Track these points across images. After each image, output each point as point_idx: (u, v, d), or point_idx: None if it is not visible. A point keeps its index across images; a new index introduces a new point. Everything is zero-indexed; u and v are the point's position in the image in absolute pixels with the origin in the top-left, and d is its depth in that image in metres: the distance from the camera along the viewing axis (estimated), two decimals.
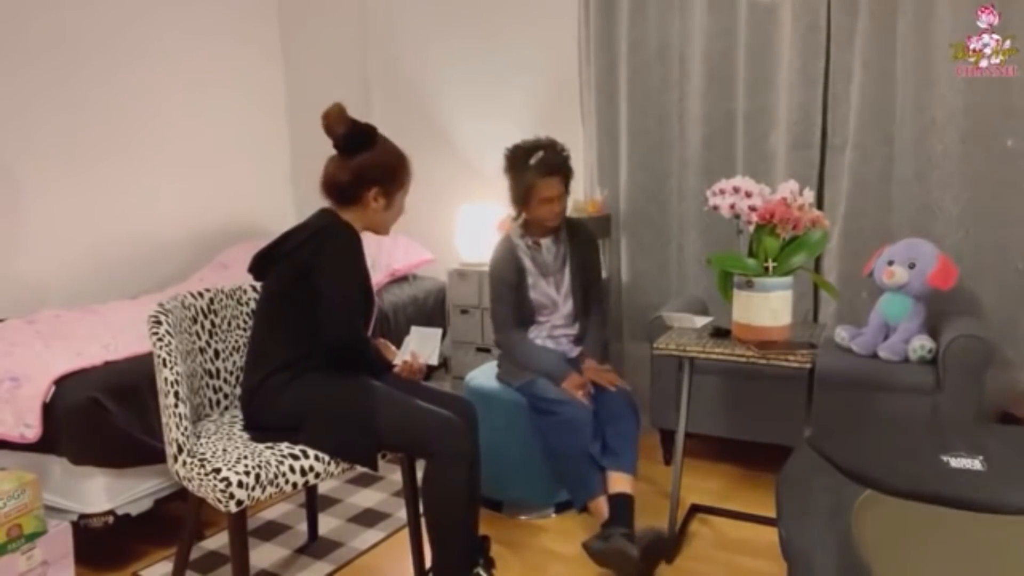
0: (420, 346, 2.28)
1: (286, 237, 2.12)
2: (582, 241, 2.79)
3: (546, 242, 2.73)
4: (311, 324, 2.04)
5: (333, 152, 2.15)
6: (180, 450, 1.96)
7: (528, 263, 2.71)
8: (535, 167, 2.56)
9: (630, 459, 2.45)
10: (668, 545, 2.36)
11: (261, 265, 2.14)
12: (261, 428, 2.05)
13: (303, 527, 2.63)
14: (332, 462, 2.02)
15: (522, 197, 2.62)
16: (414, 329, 2.32)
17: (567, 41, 3.55)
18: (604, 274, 3.14)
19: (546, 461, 2.57)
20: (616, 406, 2.53)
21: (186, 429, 1.97)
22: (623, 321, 3.54)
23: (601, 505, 2.40)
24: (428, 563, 2.27)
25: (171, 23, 3.86)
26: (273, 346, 2.07)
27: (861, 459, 1.73)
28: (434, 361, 2.30)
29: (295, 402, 2.03)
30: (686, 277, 3.42)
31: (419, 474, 2.23)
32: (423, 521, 2.15)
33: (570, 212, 2.81)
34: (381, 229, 2.23)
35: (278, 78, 4.45)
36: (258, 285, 2.38)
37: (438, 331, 2.31)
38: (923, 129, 2.91)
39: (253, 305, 2.36)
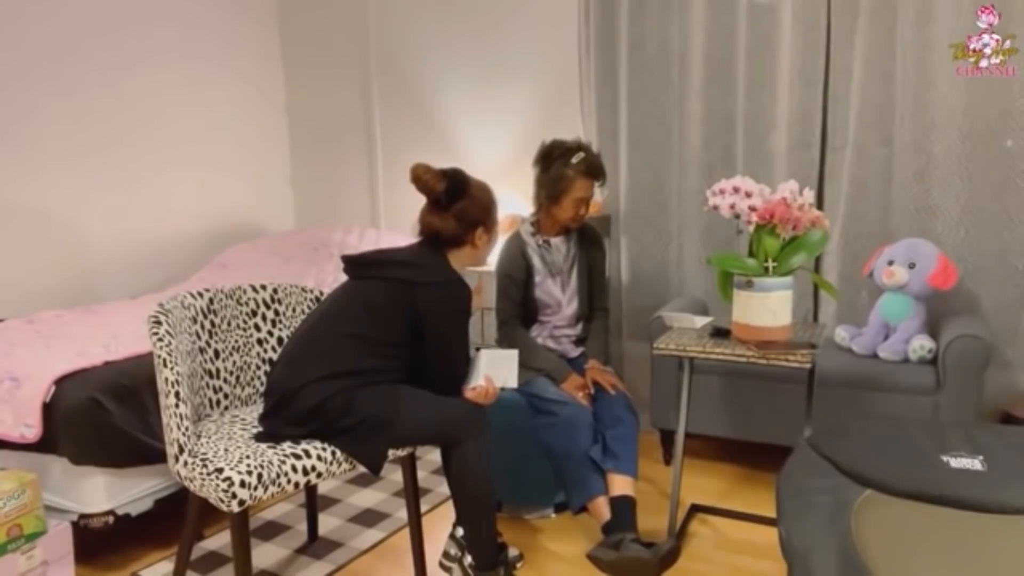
0: (494, 370, 2.23)
1: (400, 263, 2.17)
2: (591, 243, 2.80)
3: (556, 241, 2.74)
4: (395, 352, 2.11)
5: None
6: (181, 450, 1.96)
7: (536, 261, 2.71)
8: (576, 166, 2.59)
9: (631, 462, 2.45)
10: (678, 557, 2.35)
11: (361, 267, 2.19)
12: (287, 423, 2.03)
13: (303, 527, 2.63)
14: (334, 462, 2.02)
15: (555, 193, 2.62)
16: (484, 352, 2.28)
17: (567, 41, 3.55)
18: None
19: (545, 461, 2.57)
20: (616, 409, 2.53)
21: (187, 429, 1.97)
22: (623, 321, 3.54)
23: (601, 506, 2.40)
24: (429, 562, 2.30)
25: (170, 23, 3.86)
26: (345, 355, 2.07)
27: (861, 459, 1.73)
28: (513, 384, 2.26)
29: (337, 406, 2.02)
30: (686, 277, 3.42)
31: (420, 474, 2.24)
32: (452, 507, 2.20)
33: None
34: (482, 261, 2.33)
35: (278, 78, 4.45)
36: (261, 283, 2.38)
37: (514, 352, 2.28)
38: (923, 129, 2.91)
39: (253, 305, 2.36)
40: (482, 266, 2.38)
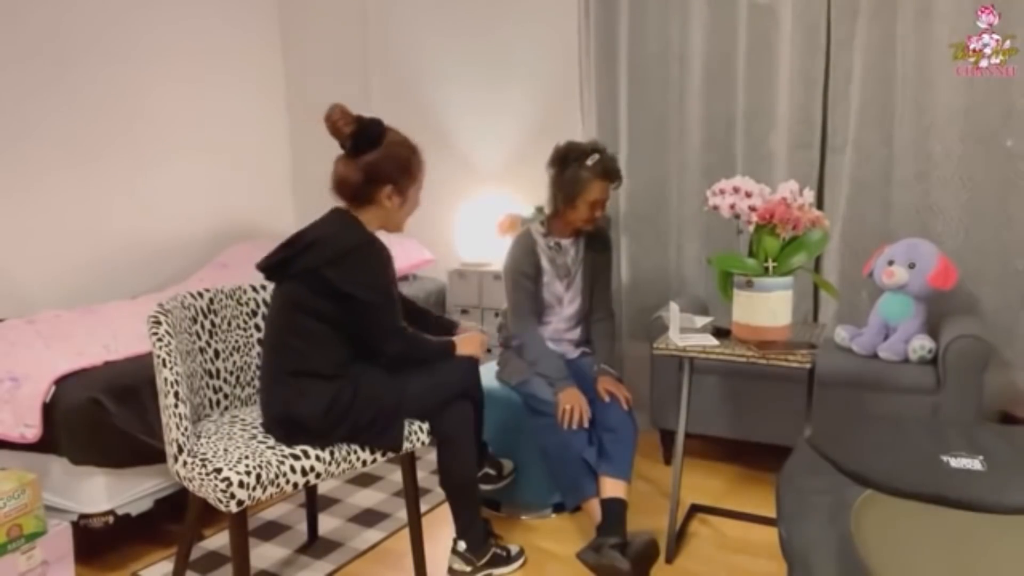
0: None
1: (307, 245, 2.05)
2: (599, 246, 2.80)
3: (566, 243, 2.74)
4: (346, 337, 2.08)
5: (339, 151, 2.12)
6: (180, 450, 1.96)
7: (545, 262, 2.71)
8: (592, 168, 2.58)
9: (625, 465, 2.45)
10: (657, 549, 2.38)
11: (277, 268, 2.11)
12: (291, 432, 2.04)
13: (303, 527, 2.63)
14: (333, 462, 2.03)
15: (570, 195, 2.60)
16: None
17: (567, 41, 3.55)
18: None
19: (543, 461, 2.57)
20: (615, 413, 2.52)
21: (186, 429, 1.97)
22: (623, 321, 3.54)
23: (594, 507, 2.41)
24: (429, 562, 2.30)
25: (170, 22, 3.87)
26: (306, 356, 2.05)
27: (861, 459, 1.73)
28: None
29: (332, 408, 2.03)
30: (686, 277, 3.42)
31: (420, 474, 2.24)
32: (444, 499, 2.30)
33: None
34: (395, 227, 2.20)
35: (278, 77, 4.45)
36: (261, 283, 2.39)
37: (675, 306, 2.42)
38: (923, 129, 2.91)
39: (253, 305, 2.36)
40: (398, 232, 2.23)
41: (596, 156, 2.60)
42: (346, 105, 2.07)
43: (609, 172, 2.61)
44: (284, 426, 2.04)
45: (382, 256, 2.09)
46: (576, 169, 2.59)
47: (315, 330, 2.05)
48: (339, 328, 2.06)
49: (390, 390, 2.12)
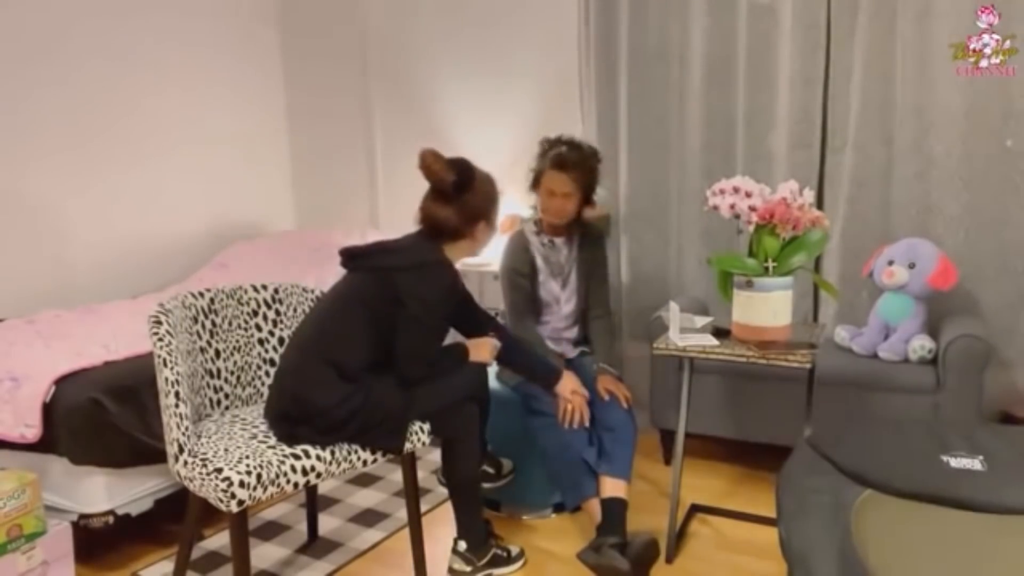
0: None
1: (385, 251, 2.19)
2: (593, 244, 2.80)
3: (559, 241, 2.74)
4: (383, 344, 2.11)
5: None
6: (181, 450, 1.96)
7: (539, 260, 2.72)
8: (550, 158, 2.63)
9: (625, 465, 2.45)
10: (657, 549, 2.39)
11: (352, 259, 2.19)
12: (295, 423, 2.04)
13: (303, 527, 2.63)
14: (333, 462, 2.03)
15: (532, 183, 2.70)
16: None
17: (567, 41, 3.55)
18: None
19: (543, 462, 2.57)
20: (615, 413, 2.52)
21: (187, 429, 1.98)
22: (623, 321, 3.54)
23: (594, 506, 2.42)
24: (429, 562, 2.30)
25: (170, 23, 3.86)
26: (340, 348, 2.08)
27: (861, 459, 1.73)
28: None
29: (342, 406, 2.03)
30: (686, 277, 3.42)
31: (420, 474, 2.24)
32: (447, 500, 2.29)
33: None
34: (479, 251, 2.33)
35: (278, 78, 4.45)
36: (261, 283, 2.39)
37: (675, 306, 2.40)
38: (923, 129, 2.91)
39: (254, 305, 2.36)
40: (477, 256, 2.35)
41: (560, 148, 2.64)
42: (436, 149, 2.16)
43: (563, 163, 2.61)
44: (293, 408, 2.04)
45: (451, 282, 2.18)
46: (541, 159, 2.67)
47: (359, 327, 2.09)
48: (379, 334, 2.10)
49: (399, 394, 2.12)
